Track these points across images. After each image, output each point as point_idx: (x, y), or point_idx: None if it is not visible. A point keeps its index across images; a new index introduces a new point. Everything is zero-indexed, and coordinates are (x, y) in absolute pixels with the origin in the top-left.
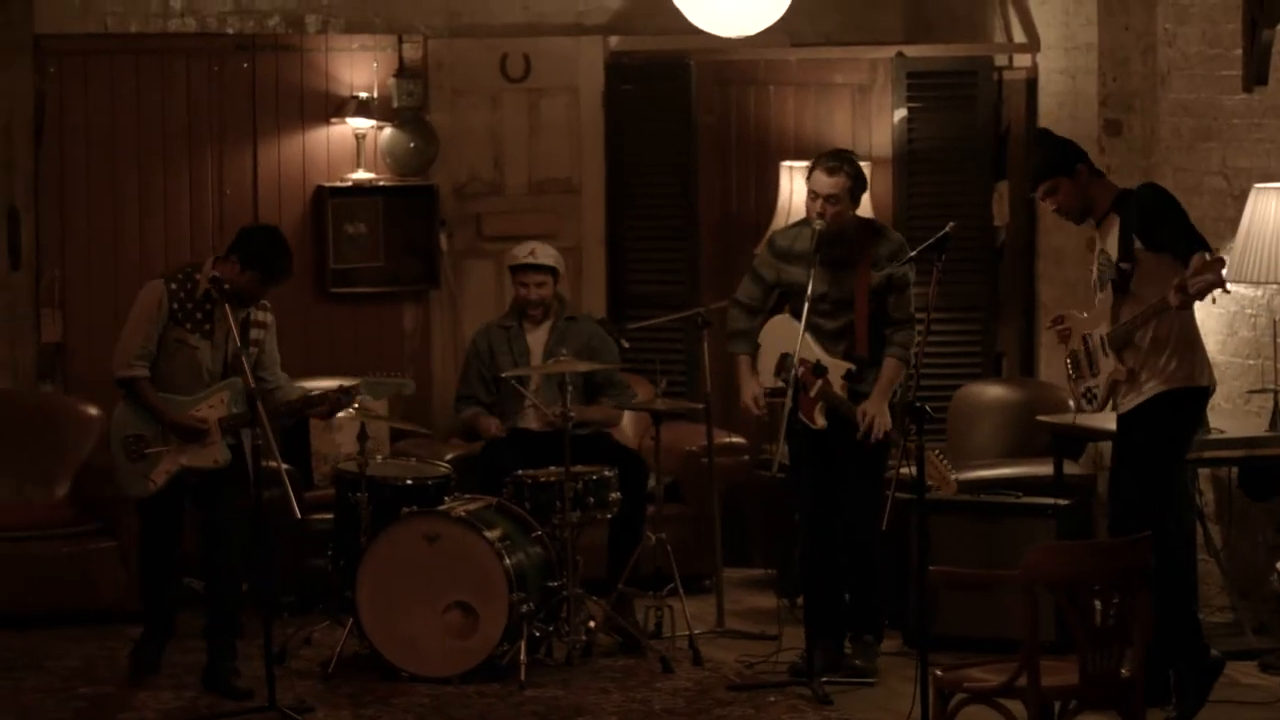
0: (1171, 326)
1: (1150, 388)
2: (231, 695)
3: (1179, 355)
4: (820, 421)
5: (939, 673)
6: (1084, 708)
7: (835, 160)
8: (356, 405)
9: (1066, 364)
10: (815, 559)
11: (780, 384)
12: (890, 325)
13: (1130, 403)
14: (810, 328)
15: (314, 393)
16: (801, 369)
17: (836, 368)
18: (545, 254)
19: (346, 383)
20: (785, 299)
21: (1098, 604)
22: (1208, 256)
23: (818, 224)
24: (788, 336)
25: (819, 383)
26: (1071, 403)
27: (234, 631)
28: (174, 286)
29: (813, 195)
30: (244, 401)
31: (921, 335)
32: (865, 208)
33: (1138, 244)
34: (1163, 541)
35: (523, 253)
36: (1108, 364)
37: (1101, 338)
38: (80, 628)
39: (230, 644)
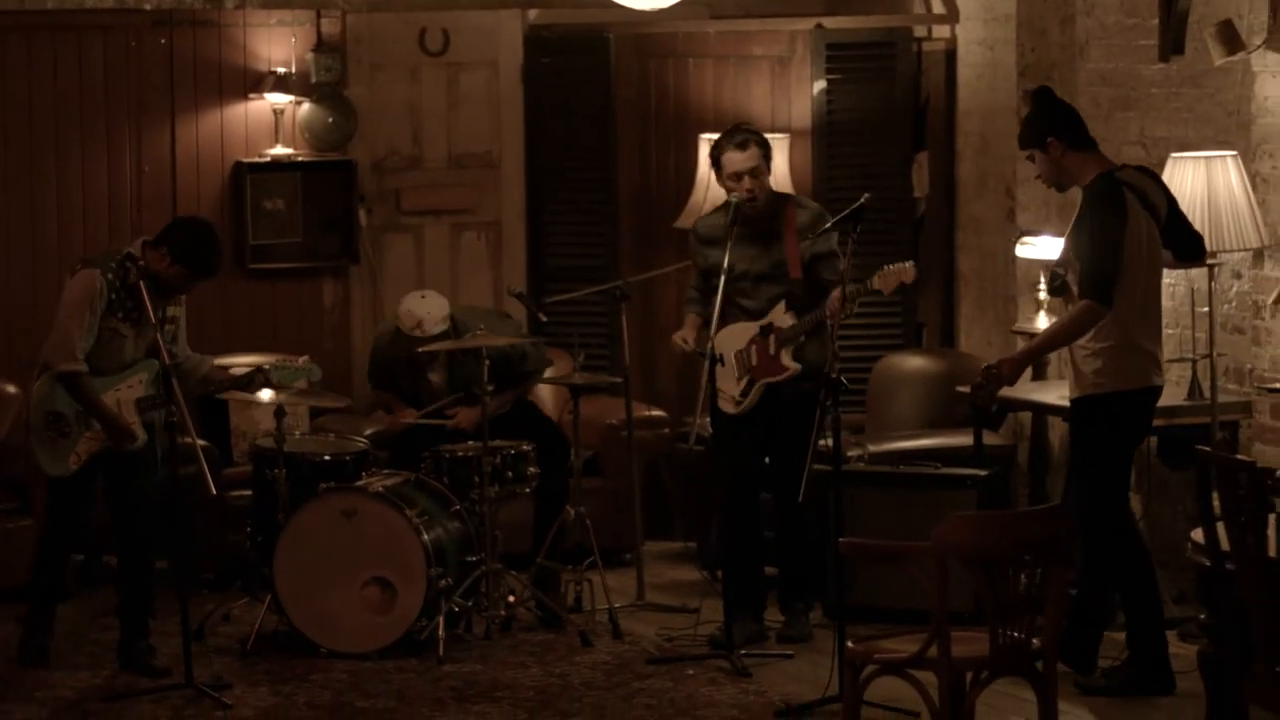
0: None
1: (1074, 388)
2: (148, 673)
3: (1098, 357)
4: (792, 365)
5: (850, 644)
6: (995, 677)
7: (740, 135)
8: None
9: None
10: (735, 532)
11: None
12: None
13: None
14: (734, 309)
15: (234, 370)
16: (754, 347)
17: (775, 313)
18: (434, 322)
19: (262, 362)
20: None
21: (1010, 573)
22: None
23: (749, 208)
24: (728, 344)
25: (770, 338)
26: None
27: (148, 610)
28: (110, 276)
29: (734, 175)
30: (159, 382)
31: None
32: (785, 178)
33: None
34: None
35: (409, 323)
36: None
37: None
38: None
39: (144, 622)
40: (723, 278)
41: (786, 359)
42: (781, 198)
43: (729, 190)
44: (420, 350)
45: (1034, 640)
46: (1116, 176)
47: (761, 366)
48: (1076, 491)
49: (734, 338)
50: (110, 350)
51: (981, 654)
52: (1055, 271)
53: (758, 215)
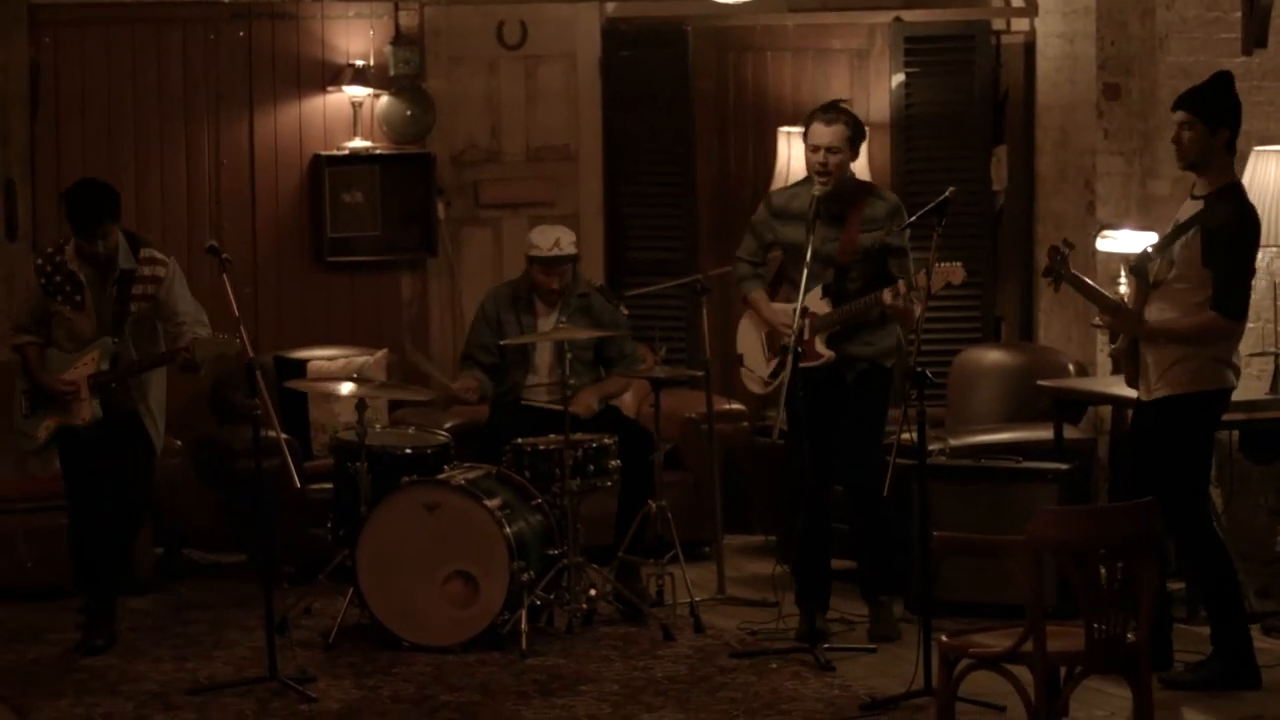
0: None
1: (1160, 388)
2: (83, 646)
3: (1185, 357)
4: (826, 352)
5: (944, 639)
6: (1089, 673)
7: (832, 111)
8: (356, 375)
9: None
10: (815, 528)
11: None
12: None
13: (1144, 395)
14: (787, 284)
15: (175, 348)
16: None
17: (812, 299)
18: (568, 242)
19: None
20: (782, 263)
21: (1103, 569)
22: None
23: (819, 183)
24: (755, 330)
25: (805, 322)
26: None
27: (115, 585)
28: (40, 262)
29: (813, 148)
30: (112, 359)
31: (921, 302)
32: (864, 171)
33: (1195, 247)
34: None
35: (546, 244)
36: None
37: None
38: (76, 599)
39: (110, 597)
40: (807, 262)
41: (820, 345)
42: (861, 186)
43: (809, 163)
44: (550, 281)
45: (1128, 635)
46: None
47: (806, 351)
48: (1155, 489)
49: (750, 338)
50: (64, 333)
51: (1076, 649)
52: (1146, 252)
53: (831, 197)
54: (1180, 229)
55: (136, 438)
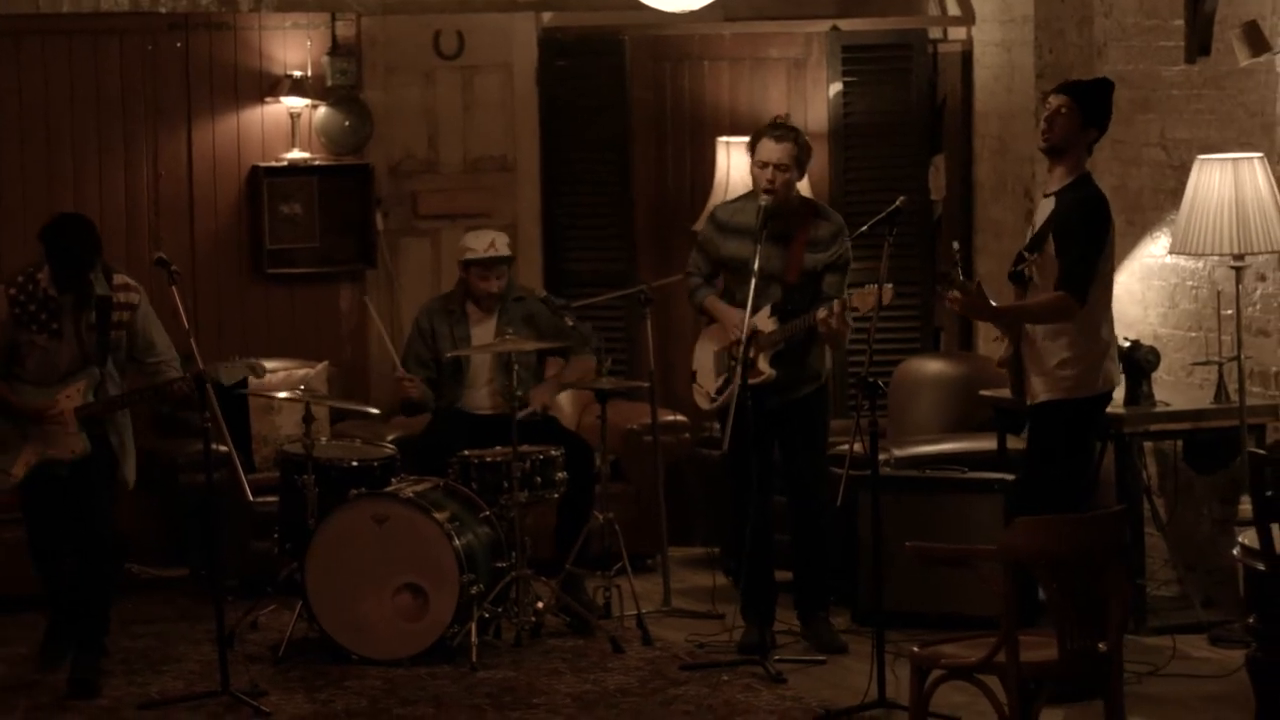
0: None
1: (1041, 392)
2: (78, 687)
3: (1067, 363)
4: (768, 370)
5: (915, 649)
6: (1063, 682)
7: (781, 129)
8: (302, 387)
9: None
10: (759, 540)
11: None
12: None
13: (1029, 398)
14: (733, 302)
15: (170, 379)
16: (735, 347)
17: (760, 317)
18: (503, 243)
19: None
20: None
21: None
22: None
23: (764, 199)
24: (709, 346)
25: (752, 330)
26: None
27: (102, 625)
28: (13, 291)
29: (761, 164)
30: (96, 390)
31: (873, 313)
32: (803, 183)
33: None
34: None
35: (481, 245)
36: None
37: None
38: (30, 614)
39: (98, 637)
40: (754, 273)
41: (763, 364)
42: (807, 205)
43: (755, 179)
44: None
45: (1100, 644)
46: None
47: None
48: (1029, 493)
49: (717, 337)
50: (38, 363)
51: (1049, 658)
52: (1023, 255)
53: (777, 214)
54: (1042, 229)
55: (109, 473)
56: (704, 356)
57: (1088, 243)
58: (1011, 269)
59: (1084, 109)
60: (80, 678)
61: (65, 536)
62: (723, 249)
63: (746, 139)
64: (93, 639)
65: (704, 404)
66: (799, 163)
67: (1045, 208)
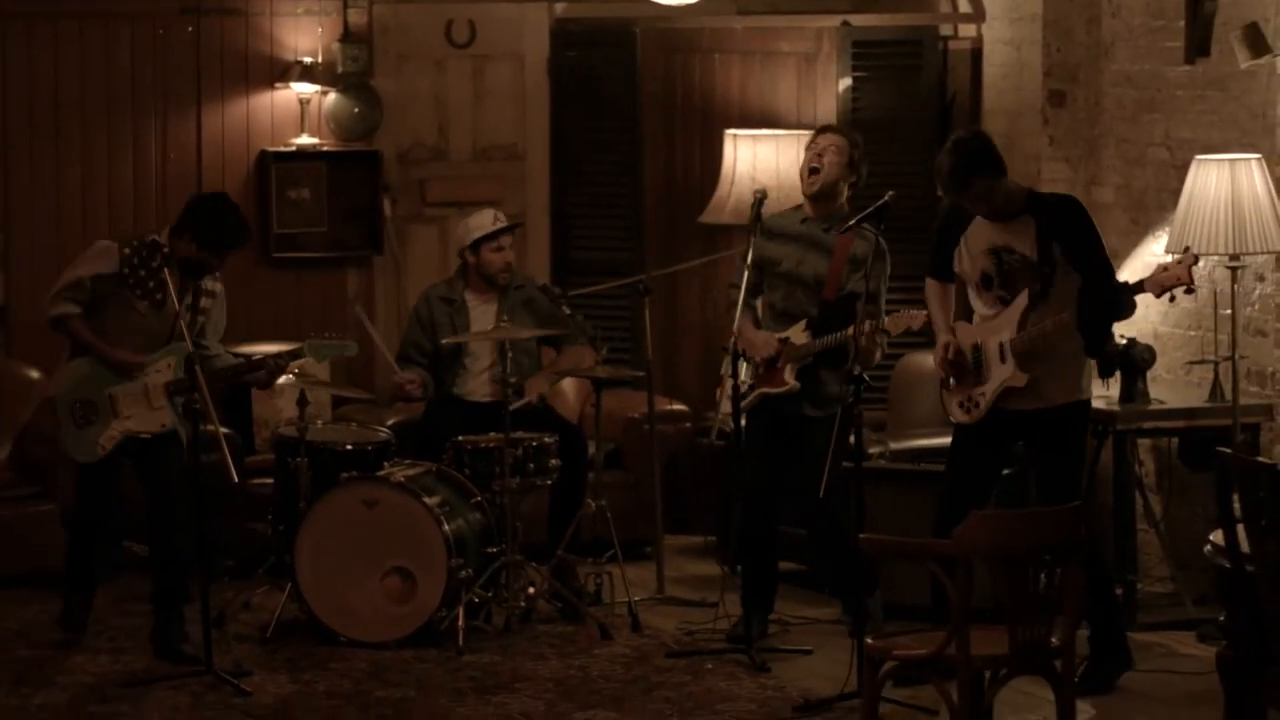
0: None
1: (1060, 397)
2: (180, 660)
3: (1080, 366)
4: (791, 382)
5: (869, 641)
6: (1013, 675)
7: (844, 129)
8: (296, 371)
9: (944, 375)
10: (757, 529)
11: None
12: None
13: (1031, 405)
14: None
15: (254, 357)
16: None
17: (794, 330)
18: (503, 216)
19: (288, 347)
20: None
21: (1031, 573)
22: (1176, 257)
23: (808, 182)
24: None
25: (782, 348)
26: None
27: (183, 597)
28: (128, 252)
29: (811, 147)
30: (187, 366)
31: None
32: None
33: (1056, 251)
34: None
35: (487, 220)
36: (1003, 371)
37: (1002, 344)
38: (19, 590)
39: (179, 610)
40: (783, 273)
41: (789, 375)
42: (848, 216)
43: (803, 164)
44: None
45: (1052, 639)
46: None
47: (765, 375)
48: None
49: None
50: (130, 329)
51: (1000, 652)
52: (1044, 271)
53: (821, 216)
54: (1020, 253)
55: (181, 447)
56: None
57: (1099, 240)
58: (1036, 283)
59: (999, 171)
60: (184, 651)
61: (111, 514)
62: (763, 250)
63: (755, 132)
64: (180, 612)
65: (726, 406)
66: (852, 163)
67: (998, 231)
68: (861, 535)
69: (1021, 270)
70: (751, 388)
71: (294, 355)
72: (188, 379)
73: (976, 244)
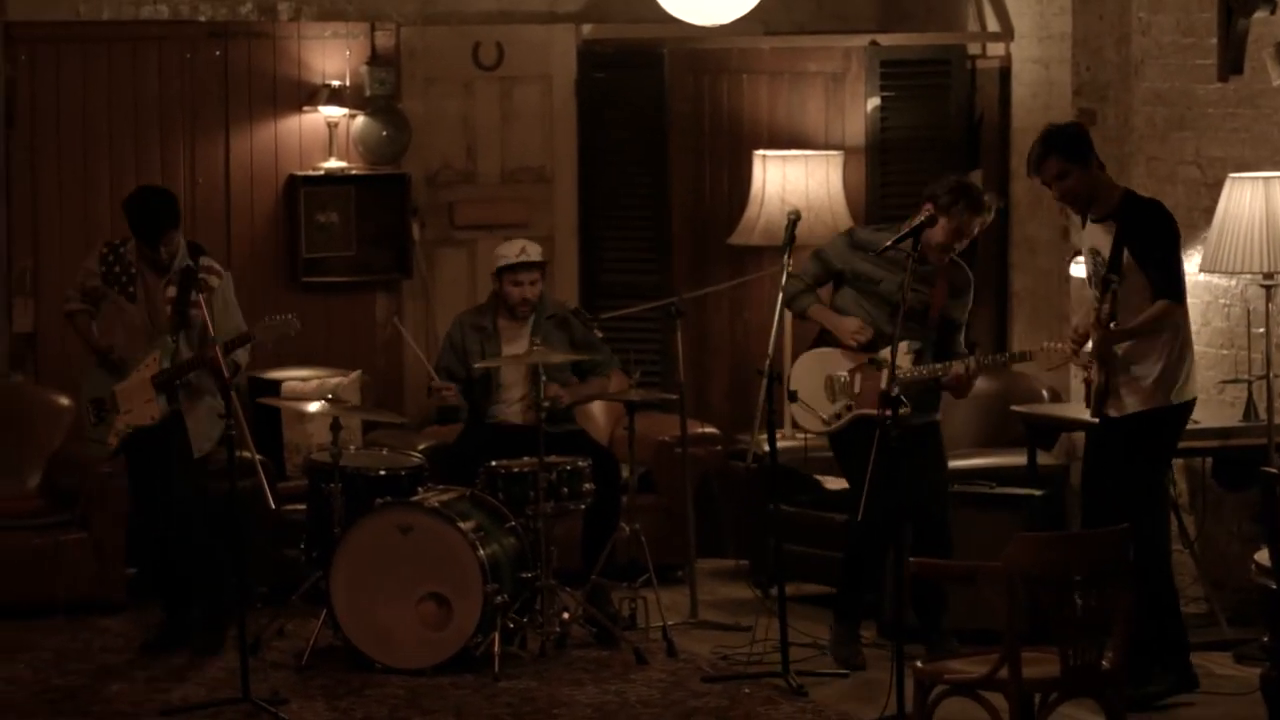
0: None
1: (1132, 403)
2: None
3: (1163, 372)
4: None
5: (919, 664)
6: (1065, 699)
7: (989, 207)
8: (330, 397)
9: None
10: (877, 556)
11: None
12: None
13: (1115, 411)
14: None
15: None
16: (858, 375)
17: (900, 351)
18: (534, 250)
19: (310, 374)
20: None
21: (1078, 595)
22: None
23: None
24: (816, 369)
25: (884, 373)
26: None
27: (213, 598)
28: (105, 250)
29: (957, 233)
30: (172, 358)
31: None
32: (838, 195)
33: (1128, 258)
34: (1143, 538)
35: (513, 252)
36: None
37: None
38: (52, 619)
39: (212, 612)
40: (891, 296)
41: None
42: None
43: (931, 236)
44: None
45: (1103, 661)
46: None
47: (865, 396)
48: (1126, 511)
49: (828, 361)
50: (120, 325)
51: (1052, 675)
52: (1109, 279)
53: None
54: (1114, 252)
55: (178, 438)
56: (808, 377)
57: (1174, 247)
58: (1101, 282)
59: (1081, 158)
60: (201, 648)
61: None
62: (856, 266)
63: (784, 153)
64: (207, 614)
65: (814, 426)
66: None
67: (1094, 233)
68: (913, 558)
69: (1100, 270)
70: (848, 409)
71: (245, 339)
72: (177, 368)
73: (1084, 245)
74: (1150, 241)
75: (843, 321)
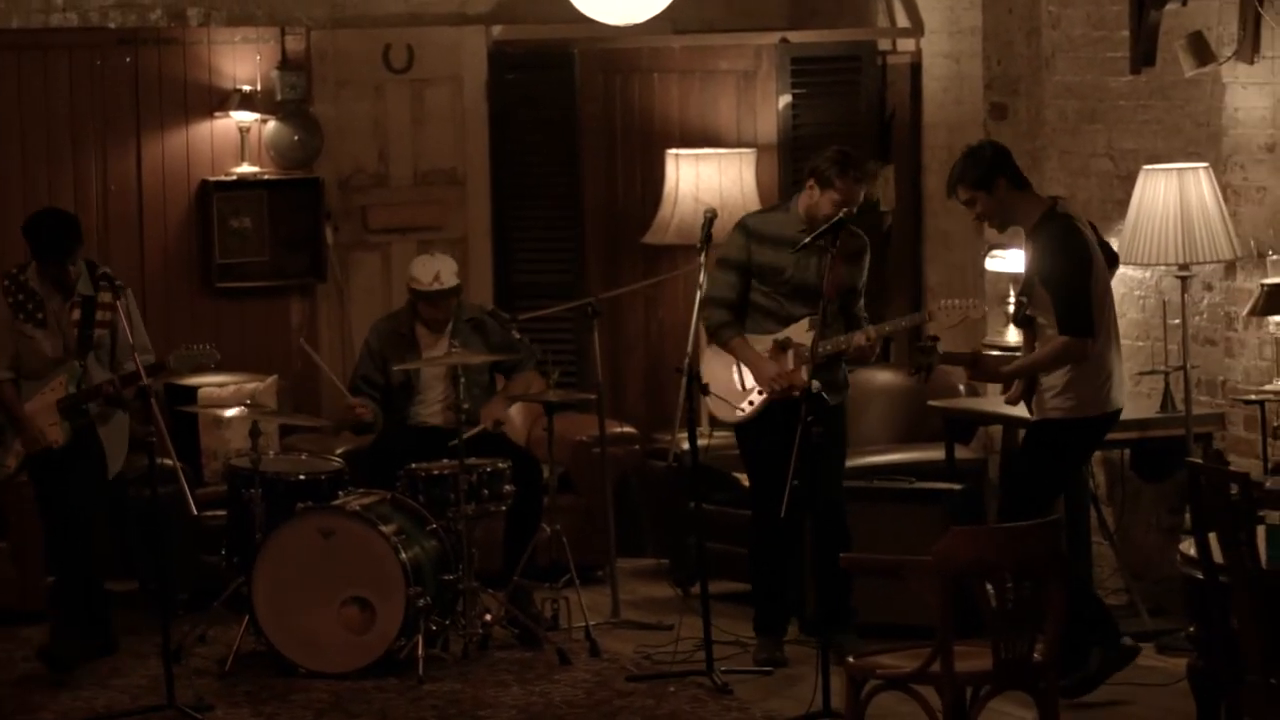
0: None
1: (1049, 409)
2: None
3: (1069, 385)
4: (811, 381)
5: (851, 660)
6: (997, 692)
7: (864, 173)
8: (249, 402)
9: None
10: (778, 555)
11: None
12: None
13: (1035, 414)
14: (756, 312)
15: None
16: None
17: (795, 329)
18: (448, 274)
19: (225, 380)
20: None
21: (1009, 589)
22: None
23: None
24: (726, 359)
25: (789, 354)
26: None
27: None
28: (7, 282)
29: (838, 203)
30: (79, 382)
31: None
32: (751, 192)
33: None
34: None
35: (427, 278)
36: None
37: None
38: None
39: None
40: (788, 281)
41: (804, 374)
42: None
43: (819, 205)
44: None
45: (1035, 654)
46: (1060, 210)
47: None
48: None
49: (718, 365)
50: (28, 353)
51: (984, 668)
52: (1020, 301)
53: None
54: (1027, 272)
55: (90, 452)
56: (718, 369)
57: (1072, 277)
58: (1015, 315)
59: (985, 182)
60: (53, 654)
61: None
62: (757, 255)
63: (697, 151)
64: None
65: (729, 416)
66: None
67: (1028, 250)
68: (842, 554)
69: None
70: (760, 393)
71: (160, 367)
72: (82, 393)
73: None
74: (1050, 270)
75: (760, 365)
